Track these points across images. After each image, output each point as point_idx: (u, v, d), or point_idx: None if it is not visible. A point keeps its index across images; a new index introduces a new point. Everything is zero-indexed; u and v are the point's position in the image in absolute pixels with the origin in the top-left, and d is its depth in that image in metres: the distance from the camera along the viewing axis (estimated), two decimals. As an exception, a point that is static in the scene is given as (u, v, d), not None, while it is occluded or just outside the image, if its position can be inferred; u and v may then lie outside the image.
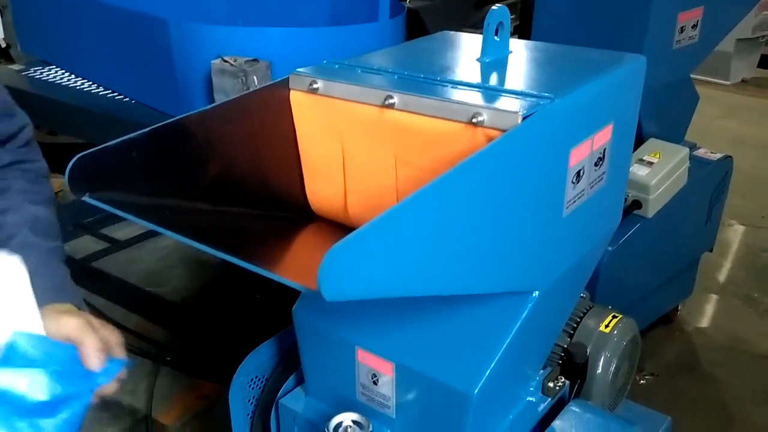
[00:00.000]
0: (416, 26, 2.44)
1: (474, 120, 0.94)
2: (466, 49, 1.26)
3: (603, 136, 1.12)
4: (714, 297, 2.99)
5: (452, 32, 1.38)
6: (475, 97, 1.00)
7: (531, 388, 1.28)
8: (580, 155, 1.06)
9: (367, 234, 0.68)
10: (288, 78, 1.15)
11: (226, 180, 1.09)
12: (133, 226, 3.41)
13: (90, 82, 2.64)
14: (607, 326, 1.65)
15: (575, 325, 1.66)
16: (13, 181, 1.16)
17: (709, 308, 2.92)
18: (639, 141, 2.29)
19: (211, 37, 2.13)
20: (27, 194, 1.15)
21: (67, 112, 2.51)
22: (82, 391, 0.90)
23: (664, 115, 2.34)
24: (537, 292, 1.08)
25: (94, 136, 2.35)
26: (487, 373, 1.05)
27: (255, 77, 2.03)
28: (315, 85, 1.11)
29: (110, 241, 3.22)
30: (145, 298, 2.73)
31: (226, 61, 2.04)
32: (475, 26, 3.35)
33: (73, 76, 2.73)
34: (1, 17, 3.80)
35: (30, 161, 1.21)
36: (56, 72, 2.78)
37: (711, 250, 2.68)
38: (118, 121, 2.34)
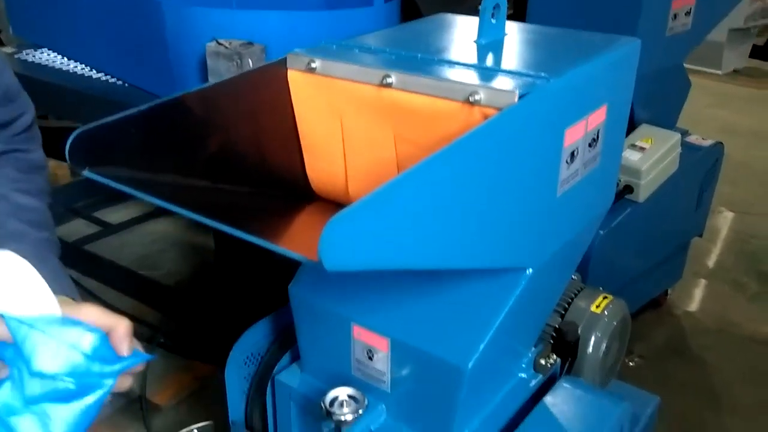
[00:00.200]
0: (411, 11, 2.45)
1: (471, 99, 0.95)
2: (463, 31, 1.27)
3: (597, 117, 1.14)
4: (703, 282, 3.03)
5: (448, 14, 1.39)
6: (472, 77, 1.01)
7: (523, 365, 1.30)
8: (574, 135, 1.08)
9: (367, 205, 0.69)
10: (286, 58, 1.15)
11: (225, 158, 1.10)
12: (125, 209, 3.42)
13: (83, 65, 2.63)
14: (597, 307, 1.67)
15: (567, 306, 1.68)
16: (2, 170, 1.09)
17: (698, 293, 2.96)
18: (631, 127, 2.31)
19: (205, 20, 2.12)
20: (16, 183, 1.09)
21: (60, 95, 2.50)
22: (106, 374, 0.85)
23: (657, 101, 2.36)
24: (530, 270, 1.10)
25: (87, 119, 2.34)
26: (481, 348, 1.07)
27: (250, 60, 2.03)
28: (313, 65, 1.12)
29: (102, 225, 3.22)
30: (139, 281, 2.74)
31: (220, 44, 2.04)
32: (469, 14, 3.35)
33: (65, 59, 2.72)
34: (-8, -1, 3.76)
35: (24, 151, 1.14)
36: (48, 55, 2.77)
37: (701, 236, 2.71)
38: (111, 104, 2.33)
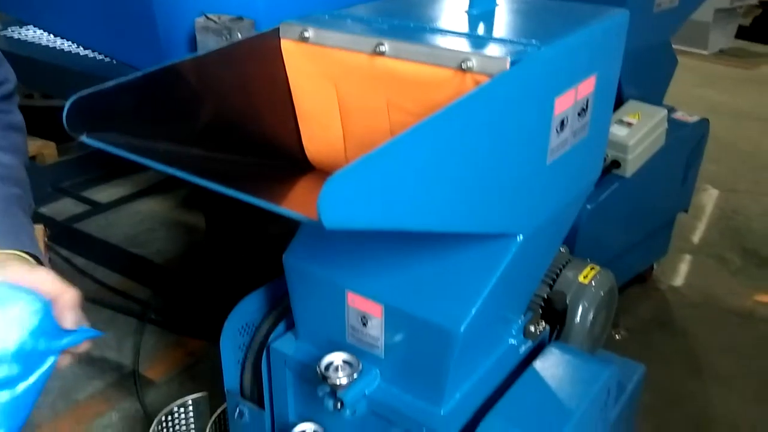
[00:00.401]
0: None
1: (463, 65, 0.97)
2: (455, 1, 1.28)
3: (586, 87, 1.16)
4: (688, 257, 3.08)
5: (439, -14, 1.40)
6: (464, 44, 1.02)
7: (513, 331, 1.33)
8: (564, 104, 1.10)
9: (364, 165, 0.71)
10: (278, 27, 1.16)
11: (221, 127, 1.11)
12: (112, 189, 3.41)
13: (69, 42, 2.61)
14: (585, 277, 1.71)
15: (555, 277, 1.72)
16: None
17: (683, 268, 3.01)
18: (619, 103, 2.34)
19: (194, -6, 2.11)
20: None
21: (48, 72, 2.48)
22: (50, 350, 0.81)
23: (644, 77, 2.38)
24: (521, 236, 1.12)
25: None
26: (473, 312, 1.10)
27: (239, 35, 2.03)
28: (306, 34, 1.12)
29: (90, 204, 3.21)
30: (129, 259, 2.74)
31: (210, 19, 2.03)
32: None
33: (51, 36, 2.69)
34: (-26, -25, 3.70)
35: (4, 111, 1.12)
36: (34, 32, 2.74)
37: (686, 211, 2.76)
38: (100, 80, 2.28)
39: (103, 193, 3.35)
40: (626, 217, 2.31)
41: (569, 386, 1.26)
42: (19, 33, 2.72)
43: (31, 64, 2.50)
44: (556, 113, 1.08)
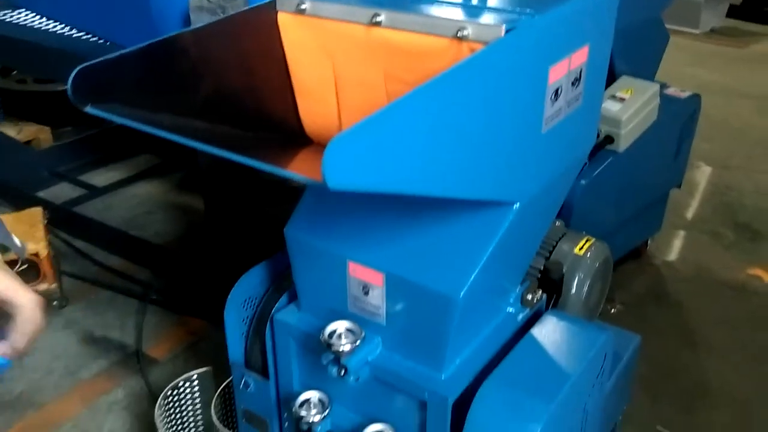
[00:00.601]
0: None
1: (459, 34, 0.99)
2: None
3: (580, 57, 1.18)
4: (682, 233, 3.11)
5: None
6: (460, 14, 1.04)
7: (511, 300, 1.36)
8: (558, 73, 1.12)
9: (366, 126, 0.73)
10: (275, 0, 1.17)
11: (220, 100, 1.12)
12: (109, 173, 3.42)
13: (62, 25, 2.60)
14: (581, 249, 1.74)
15: (551, 249, 1.75)
16: None
17: (677, 243, 3.05)
18: (612, 79, 2.35)
19: (188, -26, 2.11)
20: None
21: (42, 55, 2.49)
22: None
23: (636, 53, 2.40)
24: (518, 204, 1.15)
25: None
26: (471, 279, 1.12)
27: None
28: (302, 6, 1.14)
29: (87, 188, 3.22)
30: (128, 241, 2.76)
31: (204, -2, 2.04)
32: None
33: (44, 18, 2.68)
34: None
35: None
36: (27, 15, 2.73)
37: (679, 187, 2.78)
38: (94, 62, 2.32)
39: (99, 177, 3.36)
40: (620, 192, 2.34)
41: (566, 351, 1.29)
42: (11, 16, 2.72)
43: (24, 47, 2.50)
44: (551, 82, 1.10)
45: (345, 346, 1.17)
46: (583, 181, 2.12)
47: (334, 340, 1.18)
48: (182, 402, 1.78)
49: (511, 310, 1.36)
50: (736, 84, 4.92)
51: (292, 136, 1.27)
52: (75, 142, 3.48)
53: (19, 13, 2.76)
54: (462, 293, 1.12)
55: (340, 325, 1.20)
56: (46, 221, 2.47)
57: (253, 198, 2.50)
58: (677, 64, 4.64)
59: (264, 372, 1.43)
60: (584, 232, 1.82)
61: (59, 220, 2.73)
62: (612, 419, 1.89)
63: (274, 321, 1.35)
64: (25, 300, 0.72)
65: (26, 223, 2.44)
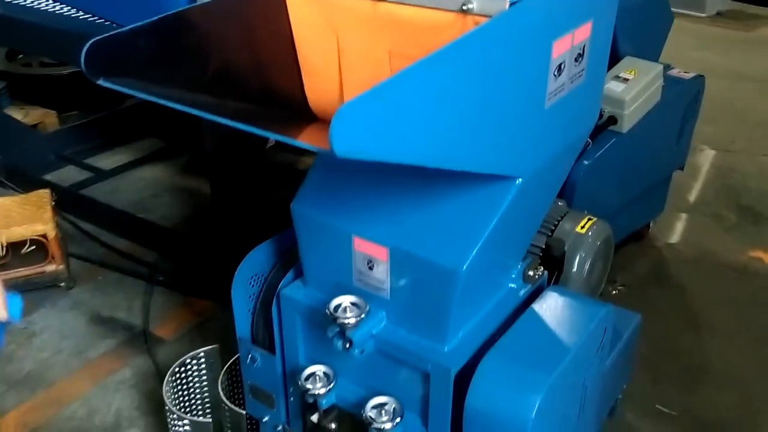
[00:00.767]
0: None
1: (464, 7, 1.00)
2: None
3: (583, 32, 1.19)
4: (684, 215, 3.12)
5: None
6: (464, -12, 1.05)
7: (513, 276, 1.38)
8: (561, 48, 1.13)
9: (373, 95, 0.75)
10: (282, -23, 1.19)
11: (227, 76, 1.14)
12: (114, 156, 3.44)
13: (67, 6, 2.61)
14: (582, 227, 1.76)
15: (553, 228, 1.77)
16: None
17: (680, 225, 3.06)
18: (616, 59, 2.36)
19: (192, -45, 2.11)
20: None
21: (46, 36, 2.49)
22: None
23: (640, 33, 2.40)
24: (520, 179, 1.16)
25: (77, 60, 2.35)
26: (474, 252, 1.14)
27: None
28: (309, -17, 1.15)
29: (93, 171, 3.25)
30: (135, 223, 2.78)
31: (209, -20, 2.04)
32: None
33: (50, 0, 2.69)
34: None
35: None
36: (32, -4, 2.73)
37: (682, 169, 2.79)
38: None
39: (105, 161, 3.38)
40: (623, 173, 2.35)
41: (567, 325, 1.31)
42: (17, -1, 2.72)
43: (29, 28, 2.51)
44: (554, 56, 1.11)
45: (350, 319, 1.19)
46: (586, 162, 2.14)
47: (339, 313, 1.20)
48: (189, 378, 1.81)
49: (512, 285, 1.38)
50: (742, 67, 4.91)
51: (298, 113, 1.29)
52: (81, 126, 3.50)
53: (25, -3, 2.76)
54: (465, 266, 1.14)
55: (346, 299, 1.22)
56: (53, 203, 2.50)
57: (259, 181, 2.52)
58: (683, 47, 4.63)
59: (270, 347, 1.46)
60: (586, 212, 1.84)
61: (66, 202, 2.76)
62: (612, 397, 1.92)
63: (281, 296, 1.37)
64: None
65: (34, 205, 2.47)
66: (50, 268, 2.43)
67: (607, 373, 1.56)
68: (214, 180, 2.50)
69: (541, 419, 1.15)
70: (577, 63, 1.20)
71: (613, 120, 2.23)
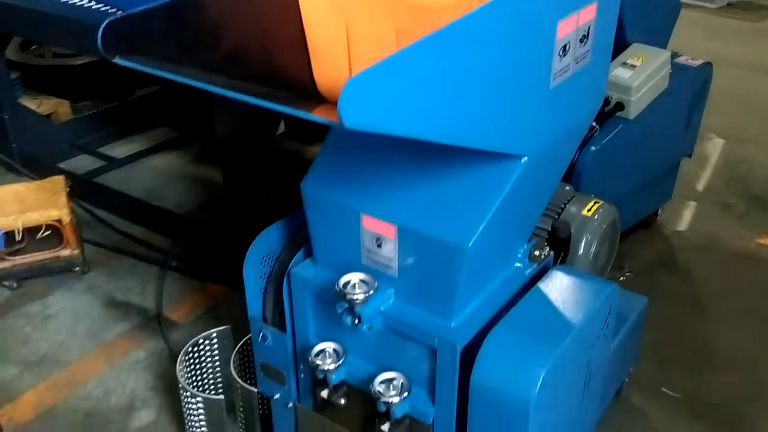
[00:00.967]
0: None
1: (470, -12, 1.02)
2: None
3: (588, 14, 1.21)
4: (692, 204, 3.13)
5: None
6: (471, -31, 1.07)
7: (519, 255, 1.40)
8: (566, 28, 1.15)
9: (381, 68, 0.77)
10: (292, -40, 1.21)
11: (238, 57, 1.17)
12: (128, 144, 3.49)
13: (80, -2, 2.64)
14: (589, 210, 1.78)
15: (559, 211, 1.79)
16: None
17: (688, 213, 3.07)
18: (623, 47, 2.37)
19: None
20: None
21: (55, 24, 2.52)
22: None
23: (648, 20, 2.41)
24: (526, 158, 1.19)
25: (90, 49, 2.38)
26: (480, 229, 1.17)
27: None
28: (319, -34, 1.18)
29: (107, 159, 3.29)
30: (149, 210, 2.83)
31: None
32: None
33: (63, -9, 2.72)
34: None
35: None
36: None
37: (690, 156, 2.80)
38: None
39: (118, 150, 3.43)
40: (630, 160, 2.36)
41: (572, 302, 1.33)
42: (32, -10, 2.75)
43: (43, 18, 2.54)
44: (559, 37, 1.13)
45: (359, 295, 1.22)
46: (593, 148, 2.15)
47: (348, 289, 1.23)
48: (203, 358, 1.85)
49: (518, 264, 1.40)
50: (752, 58, 4.89)
51: (306, 95, 1.32)
52: (94, 115, 3.54)
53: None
54: (471, 243, 1.17)
55: (355, 276, 1.25)
56: (68, 189, 2.54)
57: (269, 169, 2.56)
58: (693, 38, 4.61)
59: (281, 326, 1.49)
60: (592, 195, 1.86)
61: (81, 190, 2.80)
62: (618, 379, 1.94)
63: (291, 275, 1.40)
64: None
65: (49, 191, 2.51)
66: (65, 252, 2.48)
67: (612, 355, 1.59)
68: (226, 167, 2.53)
69: (545, 393, 1.18)
70: (582, 44, 1.23)
71: (620, 106, 2.24)
